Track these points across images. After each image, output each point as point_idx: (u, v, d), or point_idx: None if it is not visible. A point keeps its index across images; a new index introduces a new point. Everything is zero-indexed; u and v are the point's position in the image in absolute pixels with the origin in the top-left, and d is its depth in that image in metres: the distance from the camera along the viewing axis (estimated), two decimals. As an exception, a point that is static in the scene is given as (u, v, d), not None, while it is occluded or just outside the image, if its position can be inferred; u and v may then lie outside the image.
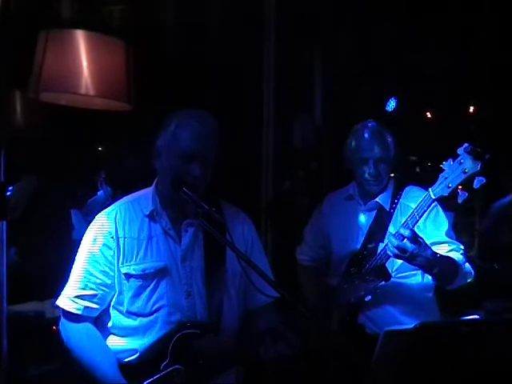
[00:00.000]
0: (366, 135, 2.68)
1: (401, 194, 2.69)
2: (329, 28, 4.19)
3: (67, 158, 3.42)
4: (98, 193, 3.69)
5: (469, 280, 2.55)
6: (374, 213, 2.72)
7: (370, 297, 2.55)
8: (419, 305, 2.63)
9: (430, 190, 2.37)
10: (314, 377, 2.87)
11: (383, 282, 2.55)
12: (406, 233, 2.31)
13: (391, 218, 2.65)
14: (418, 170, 5.89)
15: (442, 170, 2.34)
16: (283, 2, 4.02)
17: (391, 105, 4.51)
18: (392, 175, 2.78)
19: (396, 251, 2.32)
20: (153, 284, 2.06)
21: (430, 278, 2.53)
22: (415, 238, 2.31)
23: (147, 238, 2.09)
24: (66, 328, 2.10)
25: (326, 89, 4.32)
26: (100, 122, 3.25)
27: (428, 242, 2.41)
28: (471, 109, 5.17)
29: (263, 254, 2.29)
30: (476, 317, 2.33)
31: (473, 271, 2.57)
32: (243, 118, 4.02)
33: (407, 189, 2.71)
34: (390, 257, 2.45)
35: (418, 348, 1.70)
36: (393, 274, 2.59)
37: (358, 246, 2.70)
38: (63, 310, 2.10)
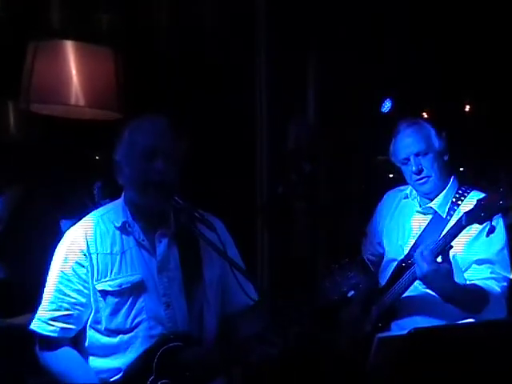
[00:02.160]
0: (400, 134, 2.50)
1: (462, 200, 2.42)
2: (323, 27, 4.18)
3: (61, 167, 3.41)
4: (102, 202, 3.67)
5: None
6: (430, 217, 2.49)
7: (352, 292, 2.48)
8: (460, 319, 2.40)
9: (464, 214, 2.21)
10: (310, 381, 2.87)
11: (413, 290, 2.40)
12: (425, 253, 2.16)
13: (445, 225, 2.38)
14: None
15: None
16: (276, 1, 4.02)
17: (387, 106, 4.47)
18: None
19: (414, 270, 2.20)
20: (131, 299, 2.02)
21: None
22: (433, 262, 2.15)
23: (121, 252, 2.04)
24: (43, 351, 2.06)
25: (320, 89, 4.31)
26: (96, 130, 3.25)
27: (472, 258, 2.28)
28: (468, 107, 5.15)
29: (236, 250, 2.23)
30: (471, 320, 2.29)
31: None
32: (237, 120, 4.01)
33: (472, 194, 2.42)
34: None
35: (411, 353, 1.69)
36: None
37: (406, 251, 2.50)
38: (38, 333, 2.05)
